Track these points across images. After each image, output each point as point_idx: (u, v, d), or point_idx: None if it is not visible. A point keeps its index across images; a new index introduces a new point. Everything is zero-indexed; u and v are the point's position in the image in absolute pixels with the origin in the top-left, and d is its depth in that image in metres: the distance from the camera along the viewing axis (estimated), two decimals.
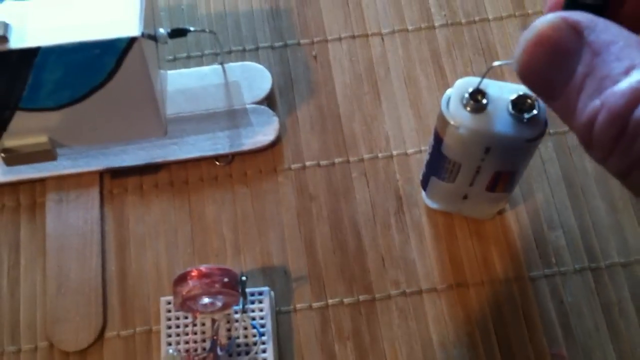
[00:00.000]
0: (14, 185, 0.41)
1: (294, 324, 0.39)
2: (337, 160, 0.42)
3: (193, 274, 0.35)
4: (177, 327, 0.37)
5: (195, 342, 0.37)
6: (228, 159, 0.42)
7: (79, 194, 0.41)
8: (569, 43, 0.19)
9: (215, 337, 0.37)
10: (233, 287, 0.35)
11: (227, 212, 0.41)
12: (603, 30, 0.19)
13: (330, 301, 0.39)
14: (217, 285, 0.35)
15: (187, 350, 0.37)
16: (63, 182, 0.41)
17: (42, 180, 0.41)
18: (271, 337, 0.37)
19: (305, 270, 0.40)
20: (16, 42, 0.31)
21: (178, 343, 0.37)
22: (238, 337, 0.37)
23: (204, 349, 0.37)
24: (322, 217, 0.41)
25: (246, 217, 0.41)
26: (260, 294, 0.38)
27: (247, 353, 0.37)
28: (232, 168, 0.42)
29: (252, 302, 0.38)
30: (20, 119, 0.34)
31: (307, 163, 0.43)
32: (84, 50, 0.31)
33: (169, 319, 0.37)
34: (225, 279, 0.35)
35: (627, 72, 0.18)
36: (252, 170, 0.42)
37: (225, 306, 0.36)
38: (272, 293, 0.38)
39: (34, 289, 0.39)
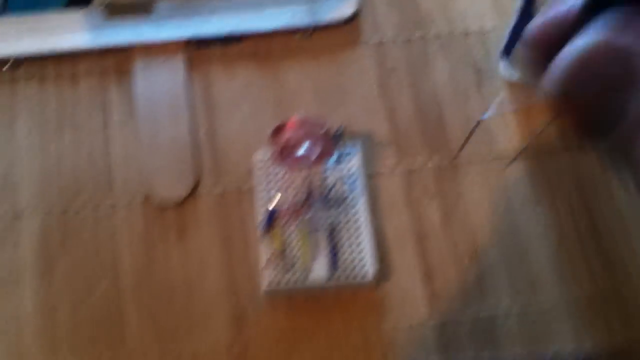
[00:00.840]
0: (101, 53, 0.42)
1: (380, 186, 0.40)
2: (415, 34, 0.43)
3: (291, 124, 0.36)
4: (269, 182, 0.38)
5: (287, 196, 0.38)
6: (308, 32, 0.43)
7: (165, 61, 0.42)
8: (614, 72, 0.18)
9: (308, 190, 0.38)
10: (330, 137, 0.36)
11: (309, 82, 0.42)
12: None
13: (413, 165, 0.40)
14: (315, 134, 0.36)
15: (281, 204, 0.38)
16: (149, 50, 0.42)
17: (128, 49, 0.42)
18: (362, 192, 0.38)
19: (388, 136, 0.41)
20: None
21: (271, 198, 0.38)
22: (330, 192, 0.38)
23: (296, 202, 0.38)
24: (402, 88, 0.42)
25: (328, 88, 0.42)
26: (350, 153, 0.39)
27: (340, 206, 0.38)
28: (313, 41, 0.43)
29: (342, 162, 0.39)
30: None
31: (386, 37, 0.44)
32: None
33: (262, 175, 0.38)
34: (323, 129, 0.36)
35: None
36: (332, 43, 0.43)
37: (320, 158, 0.37)
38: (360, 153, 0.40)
39: (127, 147, 0.40)
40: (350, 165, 0.39)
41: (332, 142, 0.36)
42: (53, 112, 0.41)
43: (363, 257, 0.37)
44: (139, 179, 0.39)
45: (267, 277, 0.36)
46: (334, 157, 0.38)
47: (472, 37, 0.43)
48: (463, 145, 0.39)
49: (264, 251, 0.37)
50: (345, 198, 0.38)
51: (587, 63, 0.18)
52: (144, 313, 0.37)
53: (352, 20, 0.44)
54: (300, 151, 0.36)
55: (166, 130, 0.40)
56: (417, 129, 0.41)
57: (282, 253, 0.37)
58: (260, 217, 0.37)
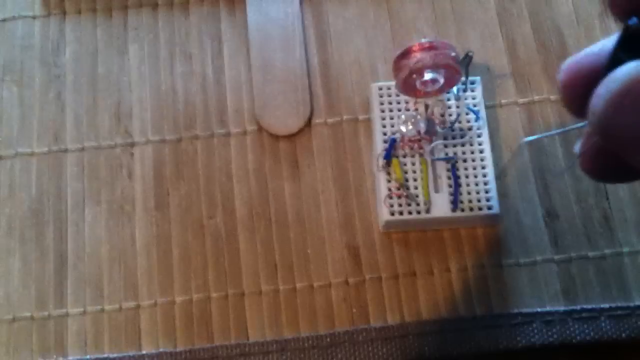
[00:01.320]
0: None
1: (500, 117, 0.38)
2: None
3: (419, 47, 0.34)
4: (390, 111, 0.37)
5: (408, 126, 0.36)
6: None
7: None
8: None
9: (431, 120, 0.37)
10: (457, 63, 0.35)
11: (425, 11, 0.41)
12: None
13: (535, 97, 0.39)
14: (444, 59, 0.34)
15: (402, 134, 0.36)
16: None
17: None
18: (486, 122, 0.37)
19: (508, 68, 0.39)
20: None
21: (392, 126, 0.37)
22: (453, 122, 0.37)
23: (418, 131, 0.36)
24: (522, 17, 0.40)
25: (445, 16, 0.40)
26: (473, 82, 0.38)
27: (462, 137, 0.37)
28: None
29: (465, 92, 0.37)
30: None
31: None
32: None
33: (382, 104, 0.37)
34: (452, 53, 0.34)
35: None
36: None
37: (445, 85, 0.35)
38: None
39: (239, 77, 0.39)
40: (473, 95, 0.37)
41: (458, 69, 0.35)
42: (165, 42, 0.40)
43: (487, 191, 0.35)
44: (252, 109, 0.39)
45: (388, 208, 0.35)
46: (459, 85, 0.36)
47: None
48: None
49: (384, 182, 0.36)
50: (469, 129, 0.37)
51: (632, 89, 0.17)
52: (258, 245, 0.36)
53: None
54: (427, 76, 0.34)
55: (279, 60, 0.39)
56: (538, 60, 0.39)
57: (403, 184, 0.35)
58: (380, 147, 0.36)
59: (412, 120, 0.36)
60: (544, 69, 0.39)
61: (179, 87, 0.39)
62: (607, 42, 0.19)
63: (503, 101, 0.39)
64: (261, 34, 0.40)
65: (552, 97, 0.39)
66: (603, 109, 0.18)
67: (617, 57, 0.18)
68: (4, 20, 0.40)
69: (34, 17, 0.40)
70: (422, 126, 0.37)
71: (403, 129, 0.36)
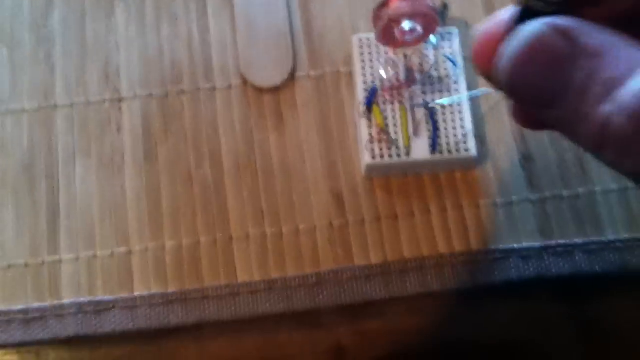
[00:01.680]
0: None
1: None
2: None
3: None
4: (370, 61, 0.38)
5: (388, 74, 0.38)
6: None
7: None
8: (563, 49, 0.18)
9: (409, 69, 0.38)
10: (434, 12, 0.36)
11: None
12: (594, 33, 0.18)
13: None
14: (422, 5, 0.35)
15: (382, 82, 0.38)
16: None
17: None
18: (463, 70, 0.38)
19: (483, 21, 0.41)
20: None
21: (372, 75, 0.38)
22: (431, 70, 0.38)
23: (397, 79, 0.38)
24: None
25: None
26: (450, 33, 0.39)
27: (440, 85, 0.38)
28: None
29: (442, 42, 0.39)
30: None
31: None
32: None
33: (362, 54, 0.39)
34: (429, 2, 0.36)
35: (629, 72, 0.17)
36: None
37: (424, 35, 0.37)
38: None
39: (224, 35, 0.41)
40: (450, 45, 0.39)
41: (435, 18, 0.36)
42: (151, 3, 0.41)
43: (464, 135, 0.37)
44: (237, 65, 0.40)
45: (370, 152, 0.36)
46: (436, 36, 0.38)
47: None
48: None
49: (365, 128, 0.37)
50: (446, 77, 0.38)
51: (535, 45, 0.19)
52: (245, 195, 0.37)
53: None
54: (405, 25, 0.36)
55: (262, 19, 0.41)
56: None
57: (383, 129, 0.37)
58: (361, 95, 0.37)
59: (392, 63, 0.37)
60: None
61: (165, 46, 0.40)
62: (515, 9, 0.20)
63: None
64: None
65: None
66: (506, 67, 0.19)
67: (520, 21, 0.20)
68: None
69: None
70: (402, 68, 0.38)
71: (383, 73, 0.37)
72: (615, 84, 0.18)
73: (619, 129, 0.17)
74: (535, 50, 0.19)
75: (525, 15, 0.20)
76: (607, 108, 0.18)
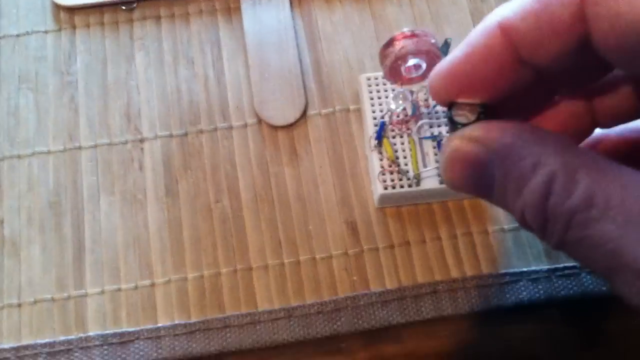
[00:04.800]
0: None
1: None
2: None
3: (402, 35, 0.38)
4: (378, 97, 0.41)
5: (396, 109, 0.40)
6: None
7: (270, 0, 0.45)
8: (477, 155, 0.21)
9: (416, 103, 0.40)
10: (438, 49, 0.39)
11: (405, 12, 0.45)
12: (501, 134, 0.21)
13: None
14: (425, 45, 0.38)
15: (390, 116, 0.40)
16: None
17: None
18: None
19: None
20: None
21: (381, 111, 0.40)
22: (436, 105, 0.40)
23: (405, 113, 0.40)
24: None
25: (423, 17, 0.45)
26: None
27: (445, 118, 0.40)
28: None
29: None
30: None
31: None
32: None
33: (370, 92, 0.41)
34: (432, 40, 0.38)
35: (534, 169, 0.20)
36: None
37: (427, 71, 0.39)
38: None
39: (238, 77, 0.43)
40: None
41: (438, 54, 0.38)
42: (168, 49, 0.44)
43: None
44: (251, 105, 0.42)
45: (382, 183, 0.38)
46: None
47: None
48: None
49: (376, 160, 0.39)
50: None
51: (453, 156, 0.22)
52: (263, 226, 0.39)
53: None
54: (411, 62, 0.38)
55: (274, 60, 0.43)
56: None
57: (394, 161, 0.39)
58: (371, 130, 0.40)
59: (401, 95, 0.39)
60: None
61: (183, 88, 0.43)
62: (472, 41, 0.22)
63: None
64: (257, 38, 0.44)
65: None
66: (442, 174, 0.23)
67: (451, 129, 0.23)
68: (18, 35, 0.44)
69: (46, 32, 0.44)
70: (410, 98, 0.40)
71: (393, 105, 0.39)
72: (522, 182, 0.20)
73: (532, 221, 0.20)
74: (454, 160, 0.22)
75: (454, 125, 0.23)
76: (519, 204, 0.20)
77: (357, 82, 0.42)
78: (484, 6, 0.45)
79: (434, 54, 0.38)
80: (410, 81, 0.39)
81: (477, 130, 0.22)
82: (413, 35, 0.38)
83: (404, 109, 0.40)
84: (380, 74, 0.41)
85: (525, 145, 0.21)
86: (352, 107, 0.42)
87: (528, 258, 0.38)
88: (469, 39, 0.22)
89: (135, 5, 0.45)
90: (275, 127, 0.42)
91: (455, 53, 0.23)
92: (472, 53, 0.22)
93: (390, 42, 0.39)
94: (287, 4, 0.45)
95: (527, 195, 0.20)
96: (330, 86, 0.43)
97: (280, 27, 0.44)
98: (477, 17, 0.44)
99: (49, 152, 0.41)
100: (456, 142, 0.22)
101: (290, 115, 0.42)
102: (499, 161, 0.21)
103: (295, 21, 0.44)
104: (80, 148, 0.41)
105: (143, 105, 0.42)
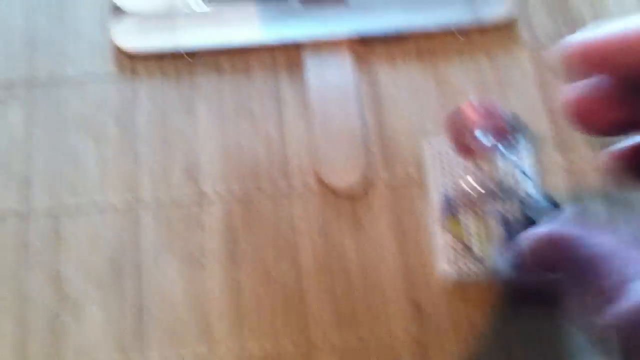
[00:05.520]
0: (272, 47, 0.44)
1: (543, 179, 0.41)
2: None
3: (470, 106, 0.38)
4: (442, 169, 0.40)
5: (461, 184, 0.40)
6: (468, 31, 0.45)
7: (333, 57, 0.44)
8: (557, 255, 0.22)
9: (482, 179, 0.40)
10: (505, 123, 0.38)
11: (469, 81, 0.44)
12: (592, 239, 0.21)
13: (575, 161, 0.42)
14: (495, 117, 0.37)
15: (456, 191, 0.39)
16: (318, 45, 0.44)
17: (298, 44, 0.44)
18: (533, 181, 0.40)
19: (549, 132, 0.43)
20: None
21: (445, 185, 0.40)
22: (502, 181, 0.40)
23: (471, 190, 0.40)
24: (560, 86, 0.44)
25: (488, 87, 0.44)
26: (519, 142, 0.41)
27: (512, 194, 0.40)
28: (472, 40, 0.45)
29: (512, 152, 0.41)
30: None
31: (543, 38, 0.45)
32: None
33: (434, 160, 0.40)
34: (503, 114, 0.38)
35: (622, 284, 0.19)
36: (491, 43, 0.45)
37: (495, 144, 0.39)
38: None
39: (299, 134, 0.42)
40: (520, 155, 0.41)
41: (508, 129, 0.38)
42: (230, 102, 0.43)
43: None
44: (313, 166, 0.41)
45: (447, 264, 0.38)
46: (506, 145, 0.39)
47: None
48: None
49: (442, 238, 0.38)
50: (518, 188, 0.40)
51: (534, 249, 0.23)
52: (324, 297, 0.39)
53: (510, 23, 0.46)
54: (479, 136, 0.38)
55: (337, 120, 0.42)
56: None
57: (460, 239, 0.38)
58: (436, 204, 0.39)
59: (469, 172, 0.39)
60: (582, 135, 0.43)
61: (244, 144, 0.42)
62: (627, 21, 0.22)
63: (545, 163, 0.42)
64: (320, 96, 0.43)
65: (591, 162, 0.42)
66: (525, 252, 0.24)
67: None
68: (78, 78, 0.43)
69: (107, 77, 0.43)
70: (475, 184, 0.40)
71: (462, 184, 0.39)
72: (609, 296, 0.19)
73: (618, 338, 0.19)
74: (534, 249, 0.23)
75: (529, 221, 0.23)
76: (607, 321, 0.19)
77: (420, 148, 0.42)
78: (551, 82, 0.44)
79: (502, 127, 0.38)
80: (477, 153, 0.39)
81: (566, 229, 0.21)
82: (481, 107, 0.38)
83: (473, 184, 0.40)
84: (445, 140, 0.40)
85: (617, 256, 0.20)
86: (415, 174, 0.42)
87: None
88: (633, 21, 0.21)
89: (196, 55, 0.44)
90: (336, 193, 0.41)
91: (612, 29, 0.22)
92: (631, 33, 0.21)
93: (457, 113, 0.38)
94: (350, 62, 0.44)
95: (616, 311, 0.19)
96: (393, 150, 0.42)
97: (344, 87, 0.44)
98: (544, 91, 0.44)
99: (109, 206, 0.40)
100: (539, 236, 0.22)
101: (352, 180, 0.41)
102: (583, 267, 0.20)
103: (358, 80, 0.44)
104: (140, 202, 0.40)
105: (204, 160, 0.42)
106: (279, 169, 0.42)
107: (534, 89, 0.44)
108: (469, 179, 0.40)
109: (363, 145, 0.42)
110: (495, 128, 0.37)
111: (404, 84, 0.44)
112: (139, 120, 0.42)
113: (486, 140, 0.38)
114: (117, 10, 0.45)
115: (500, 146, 0.39)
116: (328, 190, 0.41)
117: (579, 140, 0.43)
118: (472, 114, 0.37)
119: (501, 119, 0.37)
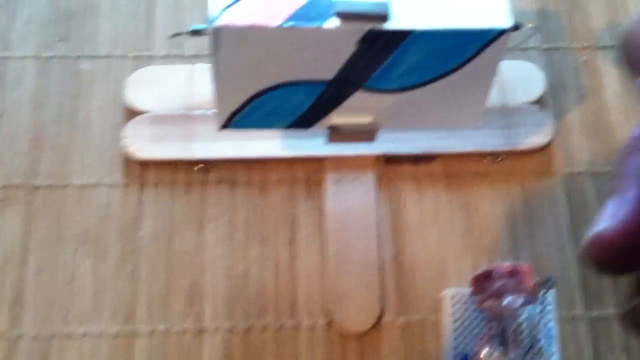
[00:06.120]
0: (292, 162, 0.42)
1: (566, 332, 0.38)
2: (609, 167, 0.42)
3: (502, 271, 0.35)
4: (461, 322, 0.37)
5: (479, 340, 0.36)
6: (499, 156, 0.42)
7: (356, 176, 0.41)
8: None
9: (503, 335, 0.37)
10: (536, 288, 0.35)
11: (498, 210, 0.41)
12: None
13: (602, 313, 0.39)
14: (524, 286, 0.34)
15: (473, 348, 0.36)
16: (340, 163, 0.41)
17: (319, 160, 0.41)
18: (557, 339, 0.37)
19: (577, 279, 0.39)
20: (392, 23, 0.31)
21: (464, 336, 0.37)
22: (524, 336, 0.37)
23: (490, 347, 0.36)
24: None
25: (517, 218, 0.41)
26: (545, 294, 0.38)
27: (534, 351, 0.36)
28: (504, 166, 0.42)
29: (537, 305, 0.37)
30: (357, 98, 0.34)
31: (579, 169, 0.42)
32: (452, 38, 0.31)
33: (454, 313, 0.37)
34: (534, 280, 0.35)
35: None
36: (523, 171, 0.42)
37: (522, 306, 0.36)
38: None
39: (311, 264, 0.40)
40: (544, 309, 0.37)
41: (537, 293, 0.35)
42: (241, 222, 0.40)
43: None
44: (323, 301, 0.39)
45: None
46: (534, 307, 0.36)
47: None
48: None
49: None
50: (540, 344, 0.37)
51: None
52: None
53: (545, 148, 0.42)
54: (507, 300, 0.35)
55: (355, 251, 0.40)
56: None
57: None
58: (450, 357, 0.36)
59: (484, 334, 0.36)
60: (612, 283, 0.39)
61: (252, 272, 0.39)
62: None
63: (570, 314, 0.39)
64: (338, 221, 0.40)
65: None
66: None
67: None
68: (82, 186, 0.41)
69: (112, 186, 0.41)
70: (495, 341, 0.36)
71: (475, 342, 0.36)
72: None
73: None
74: None
75: None
76: None
77: (440, 292, 0.39)
78: (584, 216, 0.41)
79: (532, 293, 0.35)
80: (503, 317, 0.36)
81: None
82: (514, 272, 0.35)
83: (489, 340, 0.36)
84: (466, 290, 0.37)
85: None
86: (431, 319, 0.39)
87: None
88: None
89: (212, 163, 0.41)
90: (345, 334, 0.38)
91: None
92: None
93: (487, 275, 0.35)
94: (373, 182, 0.41)
95: None
96: (409, 290, 0.39)
97: (364, 211, 0.41)
98: (575, 225, 0.40)
99: (101, 335, 0.38)
100: None
101: (364, 321, 0.39)
102: None
103: (380, 204, 0.41)
104: (136, 334, 0.38)
105: (207, 287, 0.39)
106: (287, 303, 0.39)
107: (565, 223, 0.41)
108: (487, 335, 0.36)
109: (379, 283, 0.39)
110: (524, 292, 0.34)
111: (429, 212, 0.41)
112: (143, 236, 0.40)
113: (514, 303, 0.35)
114: (131, 113, 0.42)
115: (527, 310, 0.36)
116: (336, 332, 0.38)
117: (607, 290, 0.39)
118: (504, 281, 0.34)
119: (534, 286, 0.34)
